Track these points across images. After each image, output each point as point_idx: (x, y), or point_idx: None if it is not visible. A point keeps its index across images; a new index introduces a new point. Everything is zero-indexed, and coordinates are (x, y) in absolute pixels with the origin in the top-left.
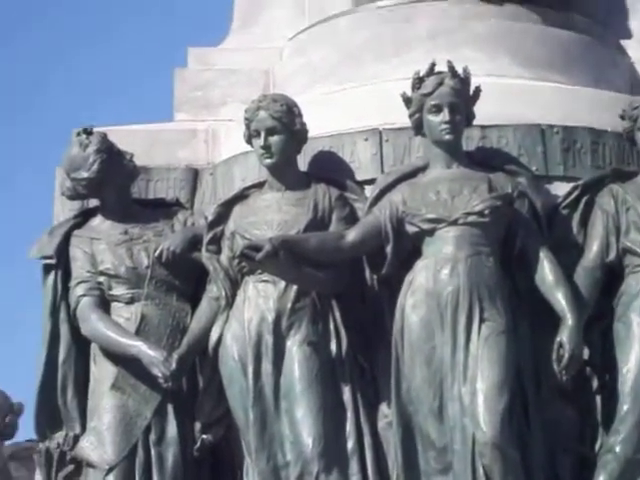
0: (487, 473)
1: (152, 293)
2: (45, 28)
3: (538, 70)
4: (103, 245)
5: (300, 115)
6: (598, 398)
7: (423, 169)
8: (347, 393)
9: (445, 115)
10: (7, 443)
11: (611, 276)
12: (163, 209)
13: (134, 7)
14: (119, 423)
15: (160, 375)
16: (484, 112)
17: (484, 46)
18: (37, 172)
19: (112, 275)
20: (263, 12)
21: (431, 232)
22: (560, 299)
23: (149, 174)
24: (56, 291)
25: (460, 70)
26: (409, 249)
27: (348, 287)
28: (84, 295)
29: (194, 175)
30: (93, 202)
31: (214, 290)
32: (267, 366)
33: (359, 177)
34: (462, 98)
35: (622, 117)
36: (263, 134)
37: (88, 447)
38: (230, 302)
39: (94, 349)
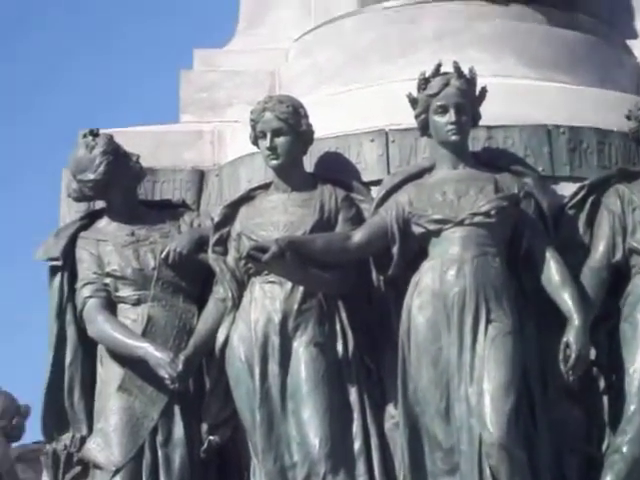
0: (494, 474)
1: (158, 294)
2: (50, 30)
3: (544, 70)
4: (109, 247)
5: (306, 116)
6: (605, 398)
7: (429, 170)
8: (354, 394)
9: (451, 116)
10: (14, 445)
11: (617, 276)
12: (169, 210)
13: (140, 9)
14: (126, 425)
15: (167, 376)
16: (490, 113)
17: (490, 47)
18: (43, 174)
19: (118, 277)
20: (269, 13)
21: (437, 233)
22: (566, 299)
23: (155, 175)
24: (62, 293)
25: (466, 71)
26: (415, 250)
27: (354, 288)
28: (90, 297)
29: (200, 176)
30: (99, 204)
31: (220, 291)
32: (274, 367)
33: (365, 178)
34: (468, 99)
35: (628, 117)
36: (269, 135)
37: (95, 449)
38: (237, 303)
39: (101, 351)
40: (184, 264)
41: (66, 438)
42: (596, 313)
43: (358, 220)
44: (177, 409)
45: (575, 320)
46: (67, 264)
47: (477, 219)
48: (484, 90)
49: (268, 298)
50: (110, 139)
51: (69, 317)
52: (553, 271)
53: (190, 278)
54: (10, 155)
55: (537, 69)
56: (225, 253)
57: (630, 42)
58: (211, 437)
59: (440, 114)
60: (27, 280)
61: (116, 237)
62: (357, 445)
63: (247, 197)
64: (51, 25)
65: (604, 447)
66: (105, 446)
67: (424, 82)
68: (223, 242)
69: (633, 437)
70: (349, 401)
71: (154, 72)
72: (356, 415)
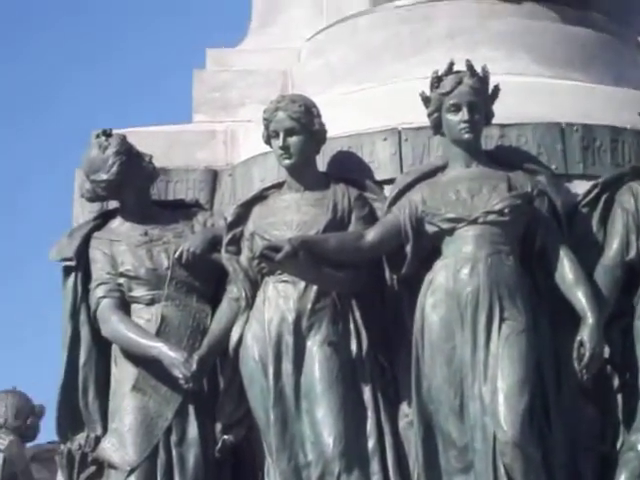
0: (508, 472)
1: (172, 294)
2: (63, 29)
3: (557, 68)
4: (123, 247)
5: (319, 115)
6: (619, 396)
7: (442, 168)
8: (367, 393)
9: (464, 114)
10: (29, 445)
11: (631, 274)
12: (182, 210)
13: (152, 8)
14: (140, 424)
15: (181, 376)
16: (503, 111)
17: (503, 45)
18: (56, 174)
19: (132, 276)
20: (281, 13)
21: (451, 231)
22: (580, 297)
23: (168, 175)
24: (76, 293)
25: (479, 69)
26: (429, 249)
27: (368, 287)
28: (104, 297)
29: (213, 176)
30: (112, 204)
31: (234, 291)
32: (287, 366)
33: (378, 177)
34: (481, 97)
35: None
36: (282, 135)
37: (109, 448)
38: (250, 303)
39: (115, 351)
40: (197, 264)
41: (81, 438)
42: (610, 311)
43: (371, 219)
44: (191, 409)
45: (589, 318)
46: (81, 264)
47: (491, 217)
48: (497, 88)
49: (282, 297)
50: (123, 139)
51: (83, 317)
52: (567, 269)
53: (203, 278)
54: (23, 155)
55: (550, 67)
56: (238, 253)
57: None
58: (225, 436)
59: (453, 112)
60: (41, 280)
61: (129, 237)
62: (371, 444)
63: (260, 197)
64: (64, 25)
65: (618, 445)
66: (120, 446)
67: (437, 80)
68: (236, 242)
69: None
70: (363, 400)
71: (167, 72)
72: (370, 414)
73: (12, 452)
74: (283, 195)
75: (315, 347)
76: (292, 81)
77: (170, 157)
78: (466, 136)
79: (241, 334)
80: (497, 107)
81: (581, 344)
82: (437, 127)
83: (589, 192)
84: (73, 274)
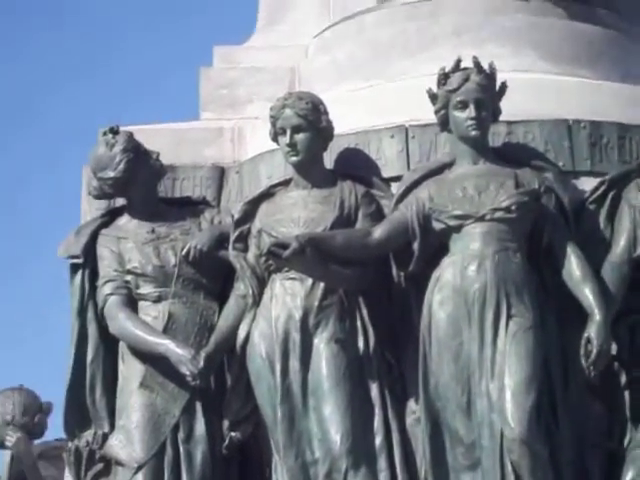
0: (515, 469)
1: (179, 291)
2: (71, 27)
3: (564, 65)
4: (130, 244)
5: (326, 112)
6: (626, 393)
7: (449, 165)
8: (375, 390)
9: (471, 111)
10: (36, 442)
11: (638, 271)
12: (190, 207)
13: (160, 6)
14: (147, 421)
15: (188, 373)
16: (510, 108)
17: (509, 41)
18: (63, 171)
19: (139, 274)
20: (288, 10)
21: (458, 228)
22: (587, 294)
23: (175, 173)
24: (84, 290)
25: (486, 66)
26: (436, 246)
27: (375, 284)
28: (112, 294)
29: (220, 173)
30: (120, 201)
31: (241, 288)
32: (295, 363)
33: (385, 174)
34: (488, 94)
35: None
36: (289, 132)
37: (117, 445)
38: (257, 300)
39: (122, 348)
40: (205, 261)
41: (88, 435)
42: (617, 308)
43: (378, 216)
44: (198, 406)
45: (596, 315)
46: (88, 262)
47: (498, 214)
48: (504, 85)
49: (289, 295)
50: (130, 136)
51: (90, 315)
52: (574, 266)
53: (211, 275)
54: (30, 153)
55: (557, 64)
56: (245, 250)
57: None
58: (232, 433)
59: (460, 109)
60: (48, 278)
61: (137, 234)
62: (378, 441)
63: (267, 194)
64: (72, 23)
65: (626, 442)
66: (127, 443)
67: (444, 77)
68: (243, 239)
69: None
70: (370, 397)
71: (174, 69)
72: (377, 411)
73: (20, 449)
74: (290, 192)
75: (322, 344)
76: (299, 78)
77: (177, 154)
78: (473, 133)
79: (248, 331)
80: (504, 104)
81: (588, 341)
82: (444, 124)
83: (596, 189)
84: (80, 271)
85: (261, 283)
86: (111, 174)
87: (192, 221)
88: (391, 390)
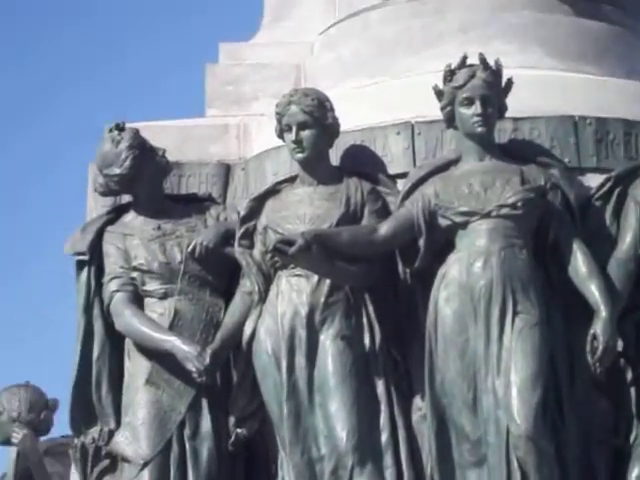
0: (521, 465)
1: (185, 288)
2: (77, 24)
3: (570, 62)
4: (136, 241)
5: (332, 109)
6: (632, 390)
7: (455, 162)
8: (381, 386)
9: (477, 108)
10: (42, 439)
11: None
12: (195, 204)
13: (165, 3)
14: (154, 418)
15: (194, 370)
16: (516, 104)
17: (516, 38)
18: (69, 168)
19: (145, 271)
20: (294, 7)
21: (464, 225)
22: (593, 291)
23: (181, 169)
24: (90, 287)
25: (492, 62)
26: (442, 242)
27: (381, 281)
28: (118, 291)
29: (226, 170)
30: (126, 198)
31: (247, 285)
32: (301, 360)
33: (391, 171)
34: (494, 90)
35: None
36: (294, 129)
37: (123, 442)
38: (263, 297)
39: (128, 344)
40: (210, 258)
41: (94, 432)
42: (623, 304)
43: (384, 213)
44: (205, 402)
45: (602, 312)
46: (94, 258)
47: (504, 211)
48: (510, 82)
49: (295, 291)
50: (136, 133)
51: (96, 311)
52: (580, 262)
53: (217, 272)
54: (37, 150)
55: (563, 60)
56: (251, 246)
57: None
58: (238, 430)
59: (466, 106)
60: (54, 274)
61: (142, 231)
62: (384, 437)
63: (273, 190)
64: (78, 20)
65: (632, 438)
66: (133, 439)
67: (450, 74)
68: (249, 235)
69: None
70: (376, 393)
71: (180, 66)
72: (383, 407)
73: (26, 446)
74: (296, 189)
75: (328, 341)
76: (305, 75)
77: (183, 151)
78: (479, 129)
79: (254, 328)
80: (510, 100)
81: (594, 337)
82: (450, 121)
83: (602, 185)
84: (86, 268)
85: (267, 280)
86: (117, 171)
87: (198, 218)
88: (397, 387)
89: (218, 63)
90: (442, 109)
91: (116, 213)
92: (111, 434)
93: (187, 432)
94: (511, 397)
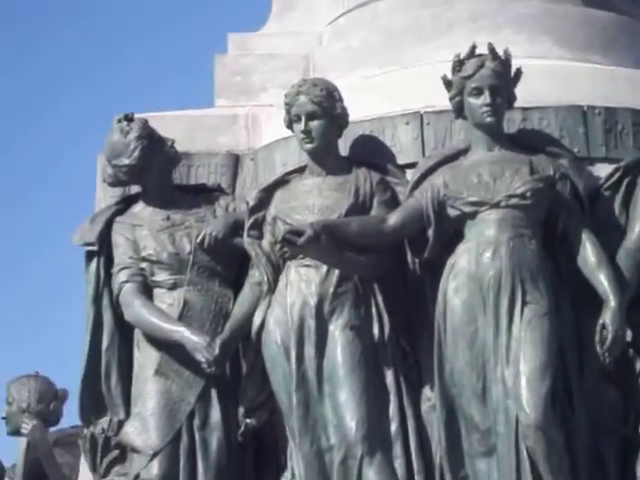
0: (531, 455)
1: (194, 279)
2: (87, 17)
3: (578, 51)
4: (145, 231)
5: (340, 99)
6: None
7: (464, 152)
8: (390, 376)
9: (486, 98)
10: (52, 429)
11: None
12: (204, 195)
13: None
14: (163, 408)
15: (203, 360)
16: (525, 94)
17: (524, 28)
18: (78, 159)
19: (154, 261)
20: None
21: (473, 215)
22: (602, 281)
23: (190, 160)
24: (99, 278)
25: (501, 52)
26: (451, 232)
27: (390, 271)
28: (127, 281)
29: (235, 161)
30: (134, 188)
31: (256, 275)
32: (310, 350)
33: (400, 161)
34: (503, 80)
35: None
36: (304, 119)
37: (132, 432)
38: (272, 287)
39: (137, 335)
40: (219, 248)
41: (104, 422)
42: (632, 294)
43: (393, 203)
44: (214, 393)
45: (611, 301)
46: (103, 249)
47: (513, 201)
48: (519, 71)
49: (304, 282)
50: (145, 124)
51: (106, 302)
52: (589, 252)
53: (226, 262)
54: (46, 141)
55: (572, 50)
56: (260, 237)
57: None
58: (248, 420)
59: (475, 96)
60: (64, 265)
61: (151, 222)
62: (394, 427)
63: (282, 181)
64: (89, 12)
65: None
66: (143, 430)
67: (459, 64)
68: (258, 226)
69: None
70: (385, 384)
71: (189, 57)
72: (392, 397)
73: (35, 436)
74: (305, 179)
75: (337, 331)
76: (314, 65)
77: (192, 141)
78: (488, 119)
79: (263, 318)
80: (519, 90)
81: (603, 327)
82: (459, 111)
83: (611, 175)
84: (95, 259)
85: (276, 270)
86: (126, 161)
87: (207, 208)
88: (406, 377)
89: (227, 53)
90: (451, 99)
91: (125, 204)
92: (120, 424)
93: (196, 422)
94: (520, 387)
